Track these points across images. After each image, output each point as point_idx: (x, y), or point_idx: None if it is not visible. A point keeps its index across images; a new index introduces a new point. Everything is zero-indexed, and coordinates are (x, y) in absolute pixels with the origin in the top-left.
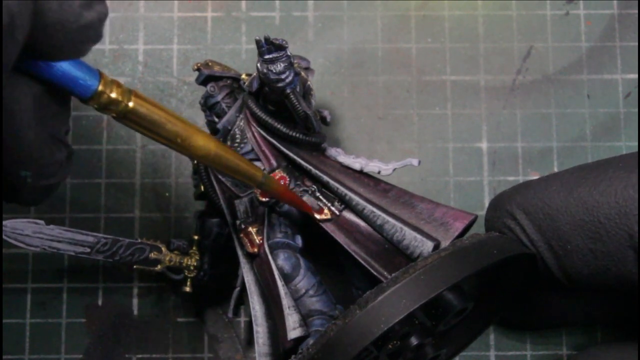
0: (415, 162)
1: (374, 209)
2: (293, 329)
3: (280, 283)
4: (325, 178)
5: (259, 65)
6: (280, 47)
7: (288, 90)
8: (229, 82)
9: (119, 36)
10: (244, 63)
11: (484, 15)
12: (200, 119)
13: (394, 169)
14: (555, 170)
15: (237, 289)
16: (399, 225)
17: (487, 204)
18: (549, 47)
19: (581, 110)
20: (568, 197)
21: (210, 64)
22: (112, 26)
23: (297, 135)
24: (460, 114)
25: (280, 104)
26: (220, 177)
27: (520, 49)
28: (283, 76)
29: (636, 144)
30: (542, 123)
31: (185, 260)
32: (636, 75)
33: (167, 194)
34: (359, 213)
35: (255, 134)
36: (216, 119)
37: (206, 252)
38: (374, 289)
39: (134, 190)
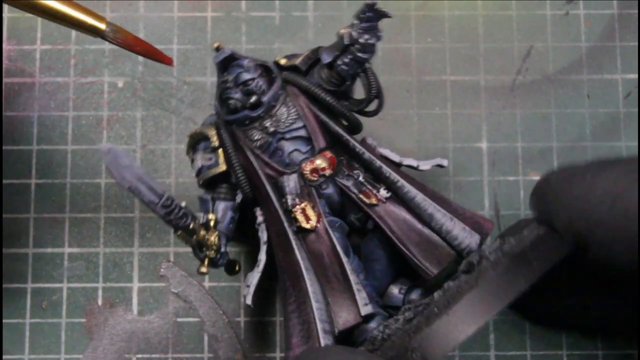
0: (444, 162)
1: (426, 197)
2: (365, 305)
3: (345, 259)
4: (378, 162)
5: (353, 32)
6: (384, 15)
7: (368, 65)
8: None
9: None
10: None
11: (484, 15)
12: (200, 118)
13: (430, 166)
14: None
15: (259, 274)
16: (449, 214)
17: (487, 204)
18: (548, 47)
19: (581, 110)
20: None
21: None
22: None
23: (349, 112)
24: (460, 114)
25: (341, 82)
26: (258, 153)
27: (520, 49)
28: (374, 48)
29: (636, 144)
30: (542, 123)
31: (212, 237)
32: (636, 75)
33: None
34: (409, 201)
35: (307, 112)
36: (236, 97)
37: (222, 235)
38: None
39: None
